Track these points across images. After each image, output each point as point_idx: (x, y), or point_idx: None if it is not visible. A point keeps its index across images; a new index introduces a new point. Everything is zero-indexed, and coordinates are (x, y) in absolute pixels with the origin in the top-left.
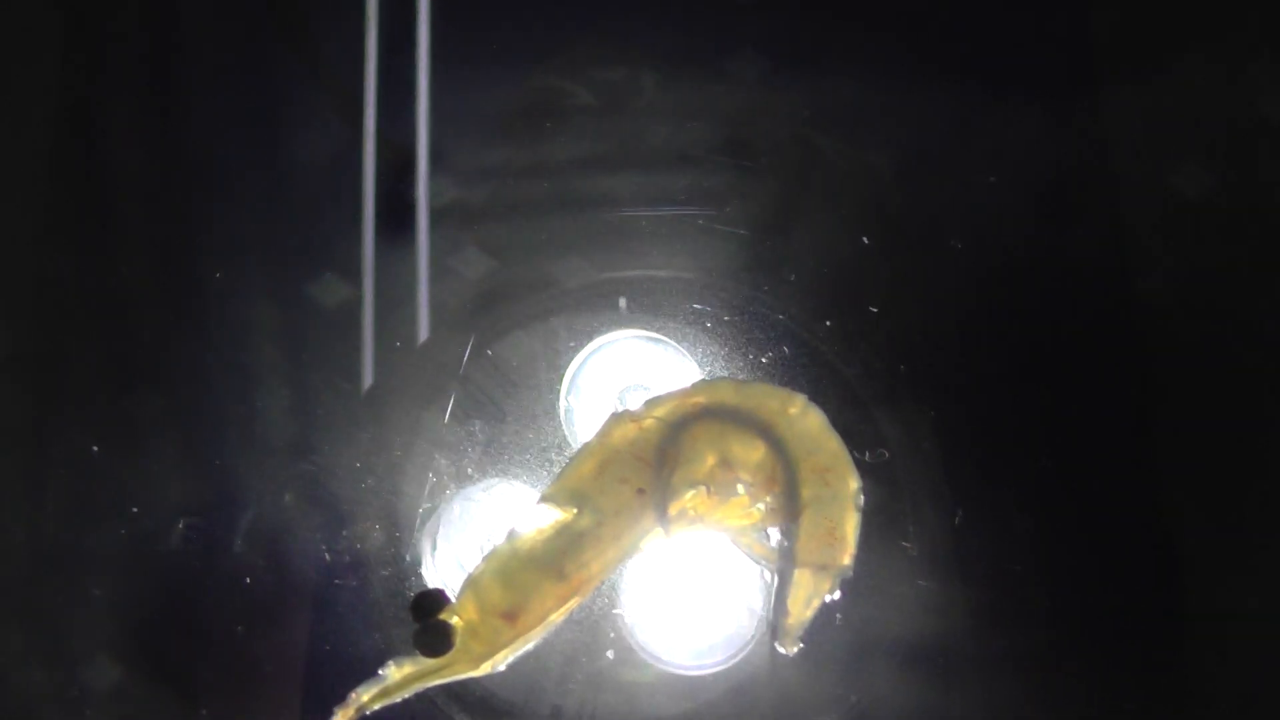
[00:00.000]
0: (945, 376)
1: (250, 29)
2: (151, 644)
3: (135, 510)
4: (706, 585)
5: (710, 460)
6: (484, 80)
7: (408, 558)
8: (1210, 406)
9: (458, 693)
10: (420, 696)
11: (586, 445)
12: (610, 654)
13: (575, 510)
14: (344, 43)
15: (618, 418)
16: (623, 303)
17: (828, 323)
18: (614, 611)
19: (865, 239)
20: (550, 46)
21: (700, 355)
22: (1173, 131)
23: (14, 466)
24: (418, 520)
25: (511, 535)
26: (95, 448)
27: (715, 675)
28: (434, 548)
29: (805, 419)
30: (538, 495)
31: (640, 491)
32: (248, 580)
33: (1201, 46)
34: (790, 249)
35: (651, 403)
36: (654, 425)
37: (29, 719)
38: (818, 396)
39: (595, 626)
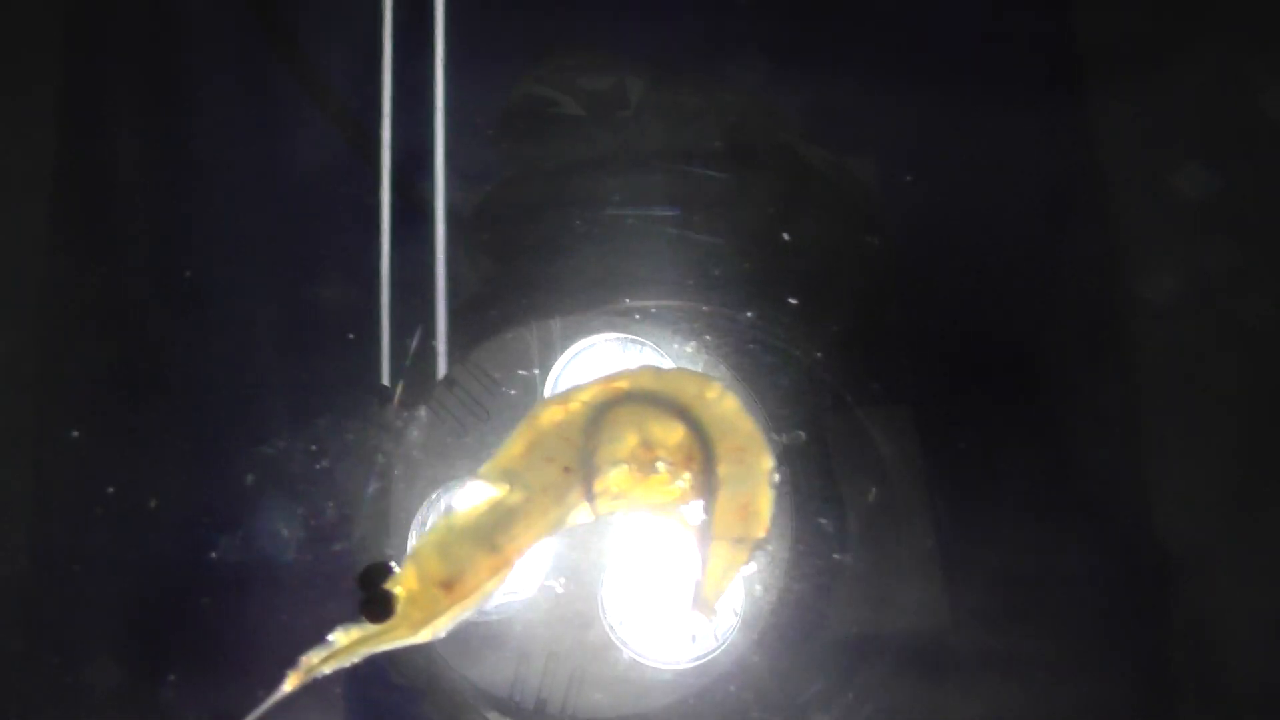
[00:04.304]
0: (941, 379)
1: (255, 31)
2: (151, 644)
3: (135, 511)
4: (684, 579)
5: (632, 440)
6: (474, 86)
7: (357, 534)
8: (1208, 407)
9: (448, 690)
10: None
11: (518, 427)
12: (618, 656)
13: (507, 487)
14: (351, 44)
15: (545, 402)
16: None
17: (802, 323)
18: (598, 609)
19: (856, 240)
20: (541, 52)
21: (679, 357)
22: (1170, 132)
23: (14, 467)
24: (365, 499)
25: (449, 511)
26: (94, 447)
27: (702, 669)
28: None
29: (722, 402)
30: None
31: (566, 470)
32: (213, 555)
33: (1199, 45)
34: (782, 254)
35: (577, 388)
36: (579, 408)
37: (29, 719)
38: (803, 399)
39: (581, 626)
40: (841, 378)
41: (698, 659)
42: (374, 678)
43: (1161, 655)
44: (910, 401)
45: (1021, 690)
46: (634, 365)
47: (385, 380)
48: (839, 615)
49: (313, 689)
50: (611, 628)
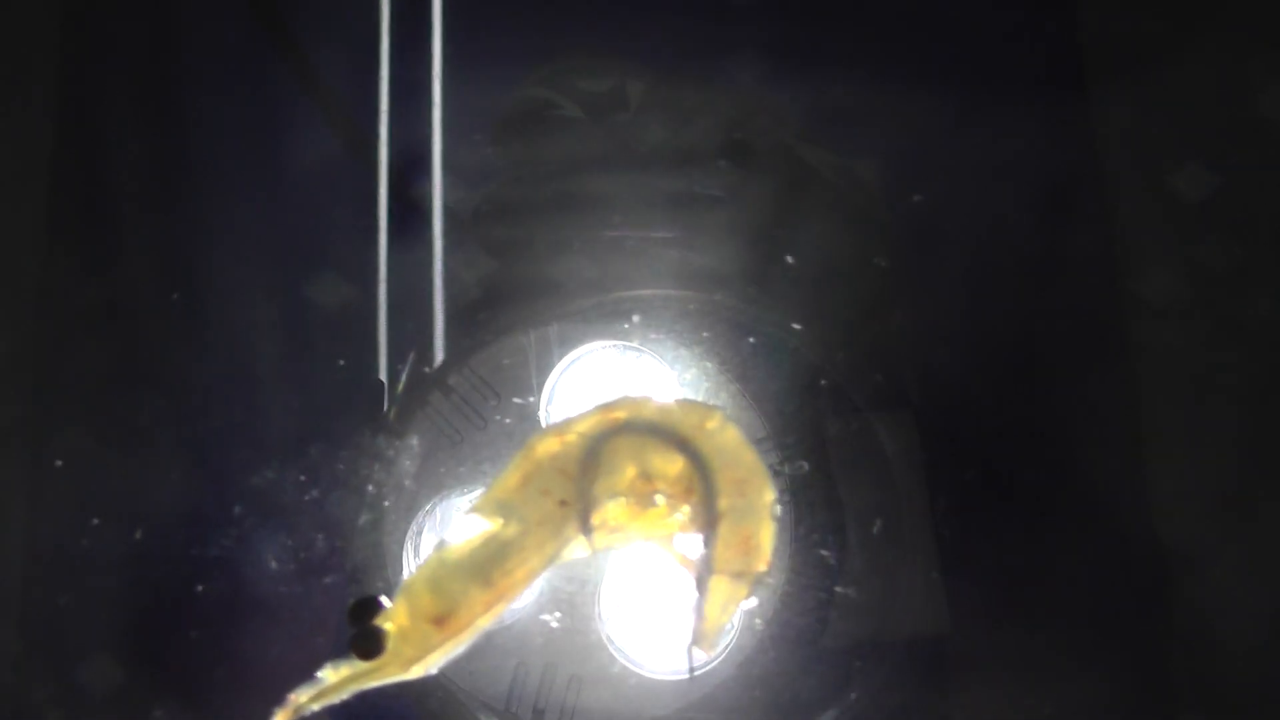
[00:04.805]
0: (940, 378)
1: (254, 31)
2: (150, 645)
3: (134, 511)
4: (682, 601)
5: (630, 472)
6: (473, 88)
7: (348, 566)
8: (1208, 407)
9: (444, 699)
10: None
11: (513, 459)
12: (615, 666)
13: (501, 520)
14: (350, 44)
15: (541, 432)
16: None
17: (803, 326)
18: (597, 622)
19: (856, 241)
20: (547, 49)
21: (680, 366)
22: (1170, 132)
23: (14, 467)
24: (357, 531)
25: (441, 545)
26: (95, 448)
27: (700, 678)
28: (417, 551)
29: (723, 433)
30: (466, 507)
31: (563, 503)
32: (200, 588)
33: (1199, 45)
34: (781, 255)
35: (574, 418)
36: (576, 439)
37: (29, 719)
38: (804, 402)
39: (579, 635)
40: (845, 381)
41: (696, 668)
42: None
43: (1161, 655)
44: (905, 401)
45: (1022, 690)
46: (632, 393)
47: (382, 376)
48: (839, 619)
49: None
50: (609, 637)
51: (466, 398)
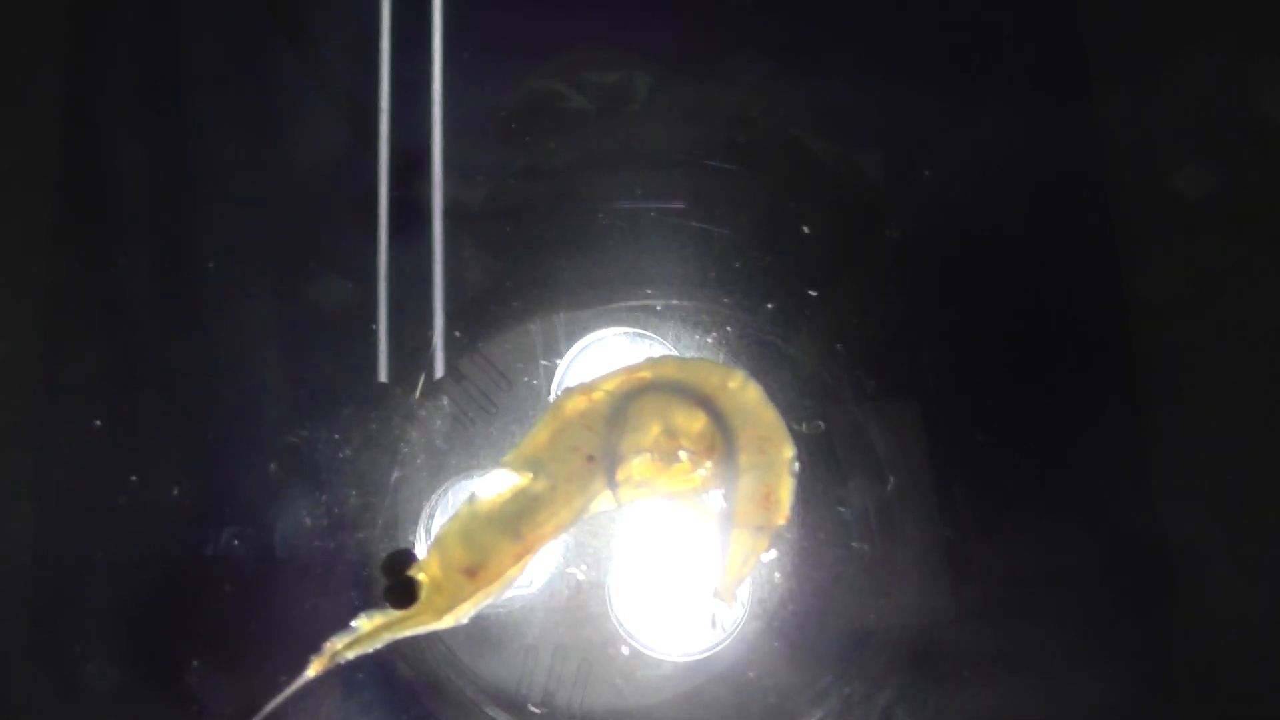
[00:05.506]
0: (941, 376)
1: (256, 29)
2: (173, 631)
3: (134, 509)
4: (691, 573)
5: (655, 429)
6: (483, 81)
7: (380, 521)
8: (1208, 406)
9: (456, 684)
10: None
11: (542, 416)
12: (625, 649)
13: (531, 475)
14: (350, 44)
15: (569, 391)
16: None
17: (808, 313)
18: (606, 603)
19: (858, 238)
20: (549, 48)
21: (687, 352)
22: (1170, 132)
23: (14, 466)
24: (388, 487)
25: (473, 499)
26: (95, 446)
27: (707, 662)
28: (429, 533)
29: (744, 392)
30: (497, 462)
31: (590, 458)
32: (236, 543)
33: (1199, 45)
34: (783, 248)
35: (601, 377)
36: (603, 397)
37: (29, 719)
38: (808, 395)
39: (589, 619)
40: (847, 372)
41: (704, 651)
42: (383, 672)
43: (1161, 652)
44: (905, 399)
45: (1022, 686)
46: (656, 355)
47: (383, 376)
48: (843, 610)
49: (321, 683)
50: (619, 620)
51: (478, 384)
